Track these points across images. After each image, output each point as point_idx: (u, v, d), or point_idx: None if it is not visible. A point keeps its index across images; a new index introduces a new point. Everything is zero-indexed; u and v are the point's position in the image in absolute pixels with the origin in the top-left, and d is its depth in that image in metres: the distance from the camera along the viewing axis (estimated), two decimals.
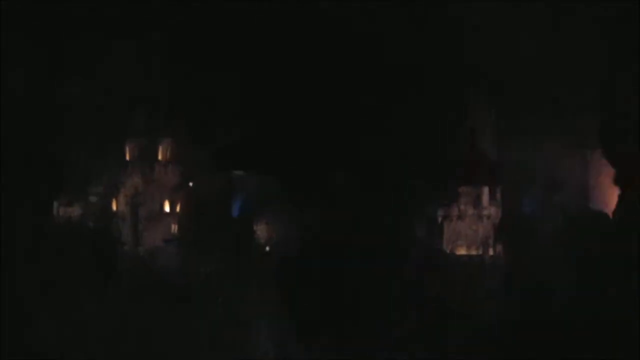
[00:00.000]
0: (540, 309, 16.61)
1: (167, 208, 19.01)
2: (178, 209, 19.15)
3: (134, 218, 19.00)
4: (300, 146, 19.24)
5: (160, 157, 19.29)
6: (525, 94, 18.34)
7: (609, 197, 17.85)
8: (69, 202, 19.82)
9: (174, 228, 19.05)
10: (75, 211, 19.76)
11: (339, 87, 18.75)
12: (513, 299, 16.89)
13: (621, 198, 17.53)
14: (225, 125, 19.68)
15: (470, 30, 18.00)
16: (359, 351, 16.70)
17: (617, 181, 17.70)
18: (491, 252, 18.16)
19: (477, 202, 18.22)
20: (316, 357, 17.04)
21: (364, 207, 18.41)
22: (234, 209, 21.38)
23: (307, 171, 19.29)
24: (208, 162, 20.28)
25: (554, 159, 18.35)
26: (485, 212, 18.26)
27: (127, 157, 19.39)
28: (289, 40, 18.85)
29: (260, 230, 20.29)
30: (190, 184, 20.05)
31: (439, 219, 18.49)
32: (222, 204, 20.87)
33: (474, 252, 18.21)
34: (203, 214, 19.98)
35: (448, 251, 18.29)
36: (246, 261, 19.90)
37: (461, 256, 18.31)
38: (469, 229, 18.26)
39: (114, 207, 19.19)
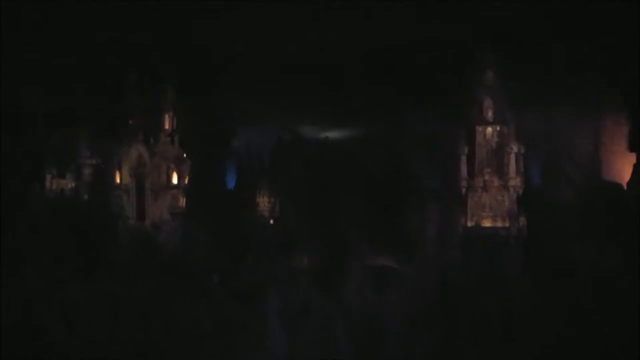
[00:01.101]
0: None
1: (174, 180, 18.24)
2: (185, 180, 18.41)
3: (139, 190, 18.14)
4: None
5: (165, 128, 18.47)
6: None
7: (622, 166, 17.85)
8: (62, 174, 18.82)
9: (182, 200, 18.31)
10: (71, 184, 18.77)
11: None
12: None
13: (636, 167, 17.60)
14: None
15: None
16: None
17: (632, 149, 17.66)
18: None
19: None
20: None
21: None
22: (230, 181, 20.75)
23: None
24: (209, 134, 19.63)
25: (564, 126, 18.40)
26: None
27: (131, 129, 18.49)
28: None
29: (263, 203, 19.78)
30: (185, 155, 19.32)
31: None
32: (220, 176, 20.25)
33: None
34: (202, 186, 19.32)
35: None
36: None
37: None
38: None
39: (117, 180, 18.24)
